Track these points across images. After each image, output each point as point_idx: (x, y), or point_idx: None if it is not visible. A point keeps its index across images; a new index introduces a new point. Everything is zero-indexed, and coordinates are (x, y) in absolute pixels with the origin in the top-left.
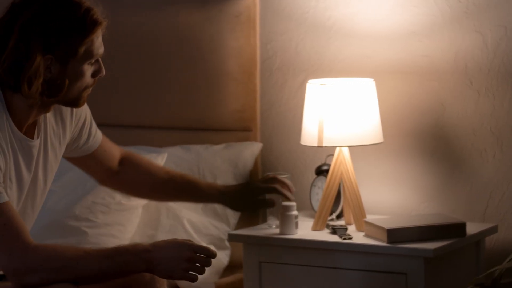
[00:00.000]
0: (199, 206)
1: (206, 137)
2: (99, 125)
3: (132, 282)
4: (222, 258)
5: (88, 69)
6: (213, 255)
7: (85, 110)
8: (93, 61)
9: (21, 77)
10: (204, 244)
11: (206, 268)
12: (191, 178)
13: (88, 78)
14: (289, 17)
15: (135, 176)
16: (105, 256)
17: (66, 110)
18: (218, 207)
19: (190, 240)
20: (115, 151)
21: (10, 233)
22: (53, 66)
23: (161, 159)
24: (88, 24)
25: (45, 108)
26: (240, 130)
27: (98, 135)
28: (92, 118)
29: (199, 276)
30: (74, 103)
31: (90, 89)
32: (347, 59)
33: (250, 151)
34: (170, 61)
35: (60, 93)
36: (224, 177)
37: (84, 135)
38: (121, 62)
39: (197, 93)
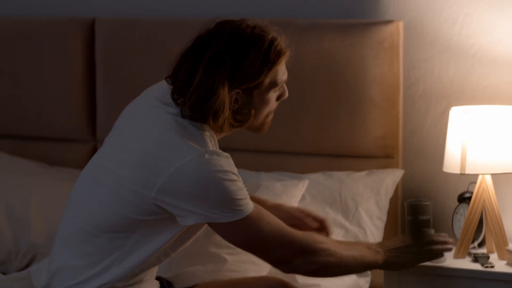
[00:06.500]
0: (341, 232)
1: (348, 164)
2: (241, 151)
3: None
4: (362, 284)
5: (273, 96)
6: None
7: None
8: (277, 88)
9: (207, 111)
10: None
11: None
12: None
13: (273, 104)
14: (432, 44)
15: None
16: (354, 248)
17: None
18: (359, 233)
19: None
20: None
21: (283, 231)
22: (240, 98)
23: (302, 185)
24: (272, 56)
25: (230, 131)
26: (382, 157)
27: None
28: None
29: None
30: (259, 129)
31: (273, 113)
32: (491, 86)
33: (391, 178)
34: (313, 87)
35: (247, 122)
36: (366, 204)
37: None
38: None
39: (340, 119)
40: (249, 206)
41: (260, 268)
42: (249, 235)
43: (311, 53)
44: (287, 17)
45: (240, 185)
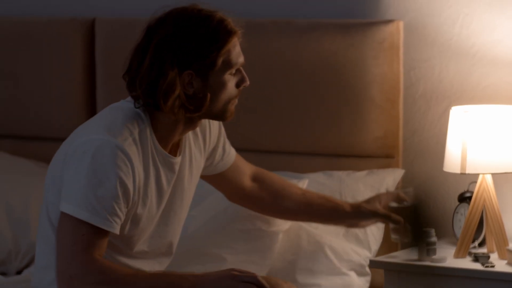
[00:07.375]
0: (341, 231)
1: (349, 164)
2: (240, 150)
3: None
4: (362, 284)
5: (230, 80)
6: (259, 283)
7: (218, 127)
8: (233, 71)
9: (157, 94)
10: (345, 271)
11: None
12: (333, 200)
13: (231, 89)
14: (433, 44)
15: (264, 194)
16: (153, 276)
17: (205, 126)
18: (360, 232)
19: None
20: (246, 169)
21: (84, 244)
22: (194, 81)
23: (302, 184)
24: (221, 35)
25: (191, 124)
26: (383, 157)
27: (232, 153)
28: (225, 136)
29: None
30: (221, 116)
31: (236, 100)
32: (491, 86)
33: (392, 177)
34: (313, 87)
35: (203, 107)
36: None
37: (219, 153)
38: (263, 87)
39: (340, 119)
40: (94, 216)
41: (260, 267)
42: (64, 233)
43: (311, 53)
44: (287, 17)
45: (105, 194)
